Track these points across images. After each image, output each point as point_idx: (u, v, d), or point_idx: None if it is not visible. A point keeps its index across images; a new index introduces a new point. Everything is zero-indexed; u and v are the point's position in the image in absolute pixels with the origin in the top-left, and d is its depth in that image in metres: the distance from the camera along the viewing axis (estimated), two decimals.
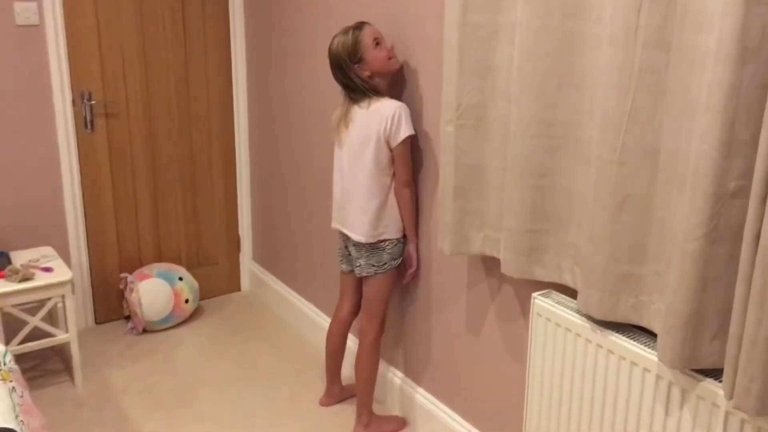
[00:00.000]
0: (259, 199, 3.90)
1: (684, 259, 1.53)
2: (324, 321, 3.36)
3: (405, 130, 2.47)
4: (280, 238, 3.72)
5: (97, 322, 3.65)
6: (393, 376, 2.92)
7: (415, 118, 2.55)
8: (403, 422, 2.82)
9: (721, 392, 1.55)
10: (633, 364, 1.74)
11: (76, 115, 3.37)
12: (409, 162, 2.54)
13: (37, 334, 2.99)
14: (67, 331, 3.03)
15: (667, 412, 1.67)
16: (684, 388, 1.63)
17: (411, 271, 2.66)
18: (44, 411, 2.40)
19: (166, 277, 3.57)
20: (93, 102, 3.39)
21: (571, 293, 2.00)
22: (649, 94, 1.60)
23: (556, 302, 1.98)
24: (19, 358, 2.71)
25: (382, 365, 2.94)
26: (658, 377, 1.68)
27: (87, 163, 3.45)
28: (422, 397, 2.77)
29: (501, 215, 2.09)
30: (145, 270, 3.59)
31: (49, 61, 3.24)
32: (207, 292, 3.92)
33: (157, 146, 3.64)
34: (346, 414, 2.87)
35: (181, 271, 3.68)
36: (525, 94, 1.90)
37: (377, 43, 2.48)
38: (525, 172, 1.94)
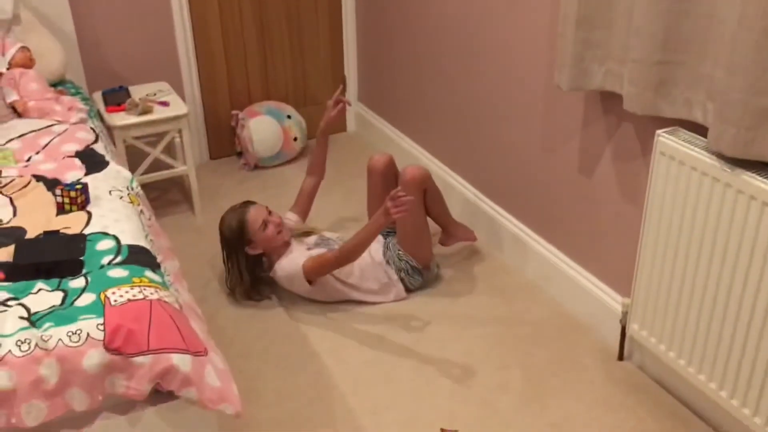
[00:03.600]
0: (364, 39, 3.81)
1: None
2: (428, 160, 3.35)
3: (295, 269, 2.51)
4: (387, 79, 3.66)
5: (212, 157, 3.79)
6: (498, 216, 2.91)
7: None
8: (472, 235, 2.91)
9: None
10: (765, 204, 1.64)
11: None
12: (318, 265, 2.49)
13: (157, 165, 3.14)
14: (185, 163, 3.16)
15: None
16: None
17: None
18: (168, 236, 2.55)
19: (275, 114, 3.62)
20: None
21: (698, 131, 1.88)
22: None
23: (682, 140, 1.87)
24: (142, 188, 2.87)
25: (489, 206, 2.94)
26: None
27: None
28: (529, 237, 2.76)
29: (627, 46, 1.94)
30: (255, 107, 3.65)
31: None
32: (314, 131, 3.94)
33: None
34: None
35: (289, 109, 3.72)
36: None
37: (265, 223, 2.54)
38: None
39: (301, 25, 3.75)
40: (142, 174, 3.09)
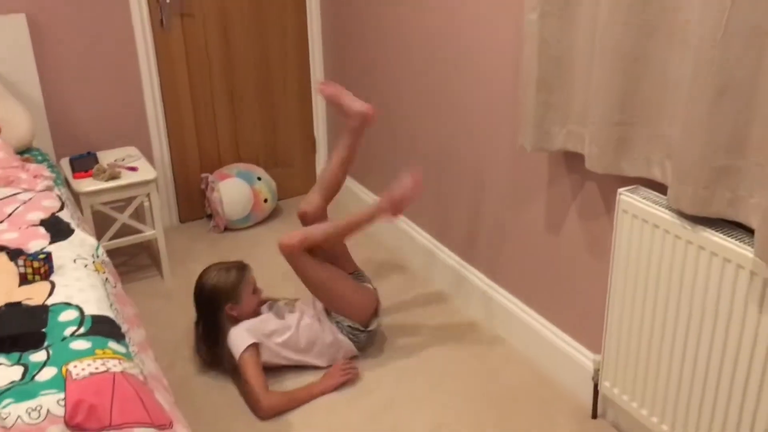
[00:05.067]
0: None
1: None
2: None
3: (240, 347, 2.40)
4: None
5: (181, 220, 3.77)
6: (471, 275, 2.92)
7: (496, 9, 2.43)
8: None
9: None
10: (726, 260, 1.66)
11: (152, 14, 3.37)
12: (256, 377, 2.38)
13: (125, 230, 3.12)
14: (153, 227, 3.14)
15: (761, 310, 1.61)
16: None
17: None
18: (135, 302, 2.51)
19: (246, 176, 3.63)
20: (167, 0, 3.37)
21: (659, 188, 1.91)
22: None
23: (644, 198, 1.90)
24: (110, 254, 2.83)
25: (457, 262, 2.95)
26: (753, 274, 1.61)
27: (164, 63, 3.47)
28: (501, 296, 2.77)
29: (587, 108, 2.00)
30: (224, 170, 3.66)
31: None
32: (284, 192, 3.97)
33: (232, 45, 3.61)
34: None
35: (260, 171, 3.73)
36: None
37: (254, 289, 2.56)
38: (615, 59, 1.83)
39: (271, 87, 3.79)
40: (110, 239, 3.06)
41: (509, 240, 2.66)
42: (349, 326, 2.58)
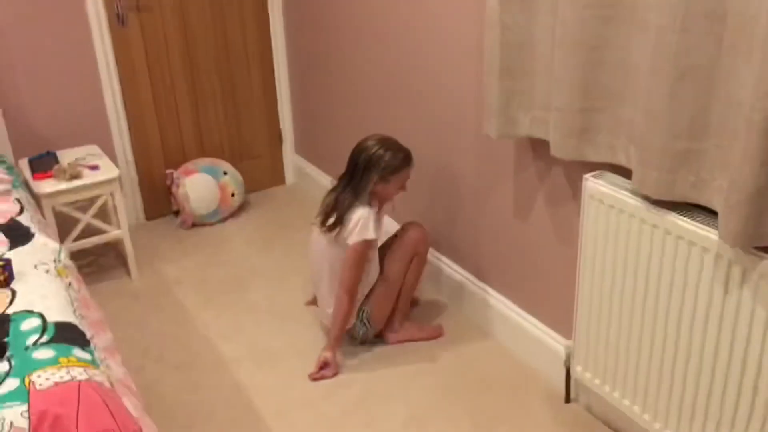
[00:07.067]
0: (298, 91, 3.82)
1: (750, 130, 1.43)
2: None
3: (359, 234, 2.43)
4: (322, 130, 3.67)
5: (147, 218, 3.71)
6: (441, 264, 2.91)
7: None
8: (438, 331, 2.75)
9: None
10: (691, 243, 1.67)
11: (108, 11, 3.29)
12: (356, 268, 2.48)
13: (90, 230, 3.06)
14: (119, 227, 3.08)
15: (726, 291, 1.63)
16: (745, 267, 1.57)
17: (318, 375, 2.54)
18: (102, 304, 2.47)
19: (211, 171, 3.58)
20: None
21: (625, 173, 1.92)
22: None
23: (609, 183, 1.91)
24: (74, 255, 2.78)
25: (431, 254, 2.94)
26: (718, 256, 1.62)
27: (123, 59, 3.39)
28: (471, 283, 2.77)
29: (550, 94, 1.99)
30: (189, 165, 3.60)
31: None
32: (252, 185, 3.93)
33: (192, 39, 3.55)
34: None
35: (225, 165, 3.68)
36: None
37: (403, 185, 2.55)
38: (576, 46, 1.82)
39: (234, 79, 3.74)
40: (74, 241, 3.00)
41: (479, 228, 2.66)
42: (368, 319, 2.61)
